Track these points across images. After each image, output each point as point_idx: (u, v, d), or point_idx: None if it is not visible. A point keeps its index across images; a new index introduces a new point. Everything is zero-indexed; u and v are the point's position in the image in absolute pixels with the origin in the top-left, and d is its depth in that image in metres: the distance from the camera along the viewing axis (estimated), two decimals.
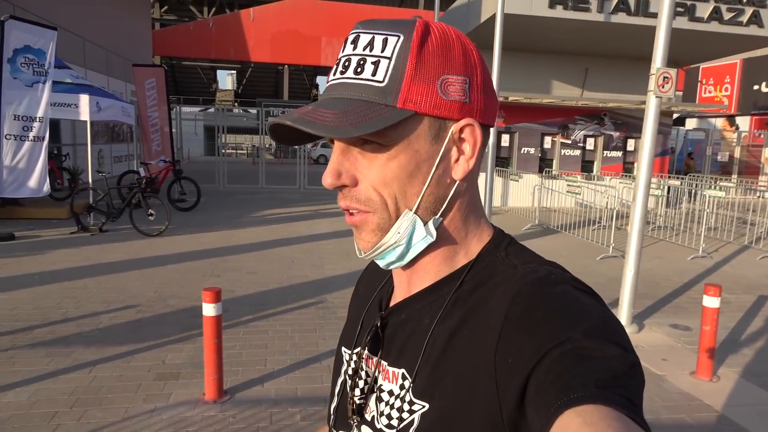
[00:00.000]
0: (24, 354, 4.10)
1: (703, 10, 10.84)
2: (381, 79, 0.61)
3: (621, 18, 10.90)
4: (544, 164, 14.41)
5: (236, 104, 46.35)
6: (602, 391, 0.48)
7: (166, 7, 40.44)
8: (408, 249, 0.66)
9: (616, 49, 13.19)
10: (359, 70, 0.61)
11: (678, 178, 13.67)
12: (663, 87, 4.53)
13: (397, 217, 0.64)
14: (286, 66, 40.61)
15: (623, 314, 5.04)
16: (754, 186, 14.70)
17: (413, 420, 0.64)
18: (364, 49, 0.62)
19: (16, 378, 3.71)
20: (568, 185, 10.68)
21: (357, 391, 0.73)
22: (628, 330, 4.94)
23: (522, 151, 14.23)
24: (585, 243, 9.30)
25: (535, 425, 0.51)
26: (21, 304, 5.20)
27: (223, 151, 19.23)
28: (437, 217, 0.66)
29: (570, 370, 0.50)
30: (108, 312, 5.06)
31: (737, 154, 20.17)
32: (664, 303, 6.05)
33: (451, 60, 0.63)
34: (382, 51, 0.61)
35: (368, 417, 0.70)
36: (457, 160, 0.66)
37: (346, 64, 0.63)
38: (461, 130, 0.64)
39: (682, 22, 10.96)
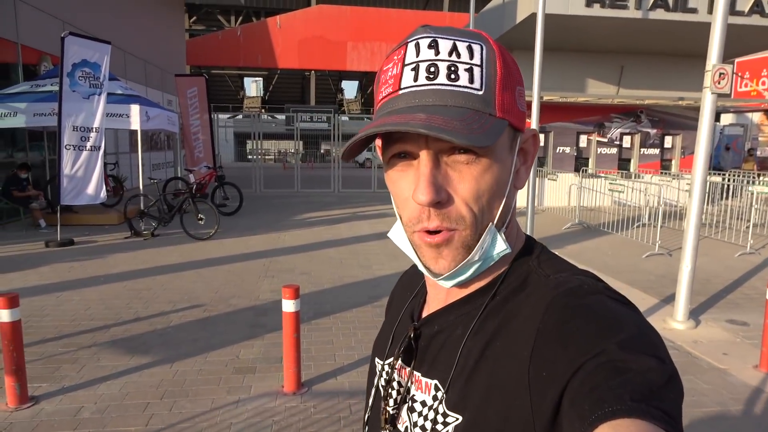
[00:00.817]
0: (107, 351, 4.33)
1: (744, 4, 10.70)
2: (479, 87, 0.59)
3: (659, 14, 10.83)
4: (579, 163, 14.35)
5: (264, 110, 47.05)
6: (638, 404, 0.47)
7: (194, 18, 41.36)
8: (483, 264, 0.65)
9: (653, 46, 13.08)
10: (453, 77, 0.59)
11: (718, 174, 13.45)
12: (719, 83, 4.55)
13: (482, 233, 0.62)
14: (313, 71, 41.09)
15: (680, 310, 5.06)
16: None
17: None
18: (449, 55, 0.59)
19: (105, 372, 3.93)
20: (611, 184, 10.63)
21: (390, 402, 0.72)
22: (685, 326, 4.97)
23: (557, 151, 14.19)
24: (628, 241, 9.26)
25: None
26: (93, 304, 5.46)
27: (254, 156, 19.58)
28: (504, 228, 0.65)
29: (605, 382, 0.49)
30: (176, 311, 5.28)
31: None
32: (718, 299, 6.03)
33: (518, 72, 0.64)
34: (471, 58, 0.59)
35: (401, 427, 0.70)
36: (518, 171, 0.66)
37: (432, 69, 0.59)
38: (525, 140, 0.65)
39: None
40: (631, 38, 12.41)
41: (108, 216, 10.32)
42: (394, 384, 0.73)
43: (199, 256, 7.70)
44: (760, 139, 20.44)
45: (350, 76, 45.87)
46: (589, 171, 13.92)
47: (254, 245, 8.52)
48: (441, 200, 0.60)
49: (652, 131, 14.70)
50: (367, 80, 45.65)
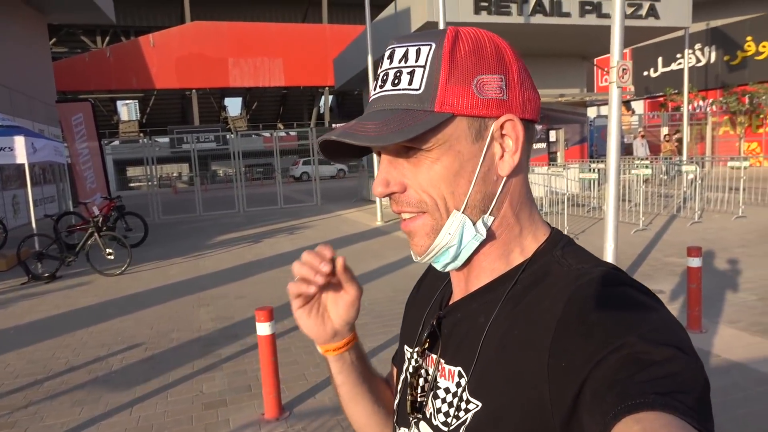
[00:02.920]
0: (48, 407, 3.88)
1: (609, 7, 11.92)
2: (417, 87, 0.62)
3: (538, 19, 11.77)
4: None
5: (143, 134, 44.42)
6: (662, 397, 0.47)
7: (54, 39, 38.10)
8: (460, 249, 0.67)
9: (535, 48, 14.15)
10: (396, 81, 0.64)
11: (600, 161, 14.83)
12: (623, 78, 5.06)
13: (448, 218, 0.66)
14: (194, 90, 39.50)
15: None
16: (672, 159, 16.17)
17: (466, 419, 0.65)
18: (399, 62, 0.64)
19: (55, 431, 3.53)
20: None
21: (418, 389, 0.74)
22: None
23: None
24: None
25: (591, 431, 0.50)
26: (12, 361, 4.86)
27: (149, 183, 18.41)
28: (487, 215, 0.67)
29: (628, 375, 0.49)
30: (114, 354, 4.86)
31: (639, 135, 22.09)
32: (631, 273, 6.66)
33: (484, 60, 0.64)
34: (416, 60, 0.63)
35: (427, 414, 0.72)
36: (501, 157, 0.66)
37: (384, 78, 0.65)
38: (502, 127, 0.65)
39: (591, 19, 12.01)
40: (515, 42, 13.25)
41: None
42: (422, 372, 0.74)
43: (118, 293, 7.12)
44: (623, 128, 22.81)
45: (233, 92, 44.63)
46: None
47: (175, 275, 8.04)
48: (394, 191, 0.66)
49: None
50: (250, 96, 44.72)
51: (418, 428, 0.73)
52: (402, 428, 0.78)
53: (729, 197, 10.96)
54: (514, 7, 11.51)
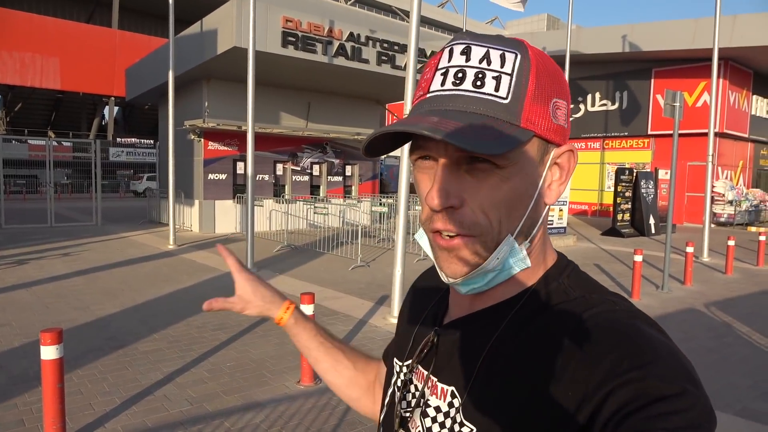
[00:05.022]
0: None
1: (402, 60, 13.33)
2: (504, 96, 0.58)
3: (341, 61, 12.61)
4: (278, 189, 15.36)
5: None
6: None
7: None
8: (499, 274, 0.64)
9: (335, 87, 15.06)
10: (479, 84, 0.59)
11: (389, 196, 16.23)
12: None
13: (499, 242, 0.62)
14: None
15: (395, 307, 6.15)
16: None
17: None
18: (480, 62, 0.59)
19: None
20: (316, 207, 11.78)
21: (404, 404, 0.72)
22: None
23: (258, 178, 14.88)
24: (334, 257, 10.46)
25: None
26: None
27: None
28: (527, 242, 0.65)
29: (638, 409, 0.49)
30: None
31: None
32: None
33: (558, 84, 0.63)
34: (502, 66, 0.59)
35: (414, 431, 0.69)
36: (550, 185, 0.65)
37: (459, 75, 0.60)
38: (559, 155, 0.64)
39: (387, 68, 13.29)
40: (317, 79, 14.04)
41: None
42: (411, 387, 0.72)
43: None
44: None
45: None
46: (287, 197, 15.04)
47: None
48: (453, 205, 0.60)
49: (336, 161, 16.77)
50: (13, 95, 38.53)
51: None
52: None
53: None
54: (319, 47, 12.17)
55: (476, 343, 0.65)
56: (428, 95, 0.61)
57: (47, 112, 41.51)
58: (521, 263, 0.63)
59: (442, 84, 0.60)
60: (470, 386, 0.63)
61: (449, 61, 0.61)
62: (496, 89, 0.58)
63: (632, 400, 0.49)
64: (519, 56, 0.60)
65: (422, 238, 0.68)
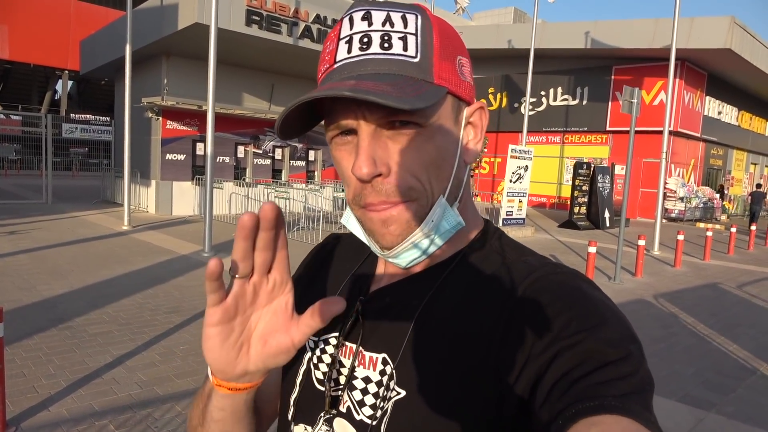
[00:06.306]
0: None
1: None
2: (414, 54, 0.57)
3: (306, 43, 12.42)
4: (238, 172, 15.06)
5: None
6: (618, 400, 0.46)
7: None
8: (435, 239, 0.62)
9: (300, 70, 14.81)
10: (386, 45, 0.57)
11: None
12: None
13: (432, 206, 0.60)
14: None
15: None
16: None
17: (386, 409, 0.59)
18: (383, 25, 0.58)
19: None
20: (276, 191, 11.62)
21: (332, 383, 0.66)
22: None
23: (218, 160, 14.56)
24: (295, 243, 10.35)
25: (544, 430, 0.48)
26: None
27: None
28: (456, 202, 0.63)
29: (585, 375, 0.48)
30: None
31: None
32: None
33: (459, 42, 0.62)
34: (405, 27, 0.58)
35: (343, 409, 0.64)
36: (467, 144, 0.64)
37: (365, 40, 0.58)
38: (471, 114, 0.64)
39: None
40: (282, 61, 13.79)
41: None
42: (335, 363, 0.66)
43: None
44: None
45: None
46: (248, 180, 14.78)
47: None
48: (382, 173, 0.58)
49: (299, 145, 16.56)
50: None
51: (330, 425, 0.64)
52: (301, 425, 0.67)
53: None
54: (284, 28, 11.95)
55: (409, 306, 0.63)
56: (336, 65, 0.59)
57: None
58: (455, 223, 0.62)
59: (349, 51, 0.58)
60: (402, 349, 0.60)
61: (351, 28, 0.59)
62: (405, 49, 0.58)
63: (578, 365, 0.49)
64: (420, 16, 0.59)
65: (350, 220, 0.65)
